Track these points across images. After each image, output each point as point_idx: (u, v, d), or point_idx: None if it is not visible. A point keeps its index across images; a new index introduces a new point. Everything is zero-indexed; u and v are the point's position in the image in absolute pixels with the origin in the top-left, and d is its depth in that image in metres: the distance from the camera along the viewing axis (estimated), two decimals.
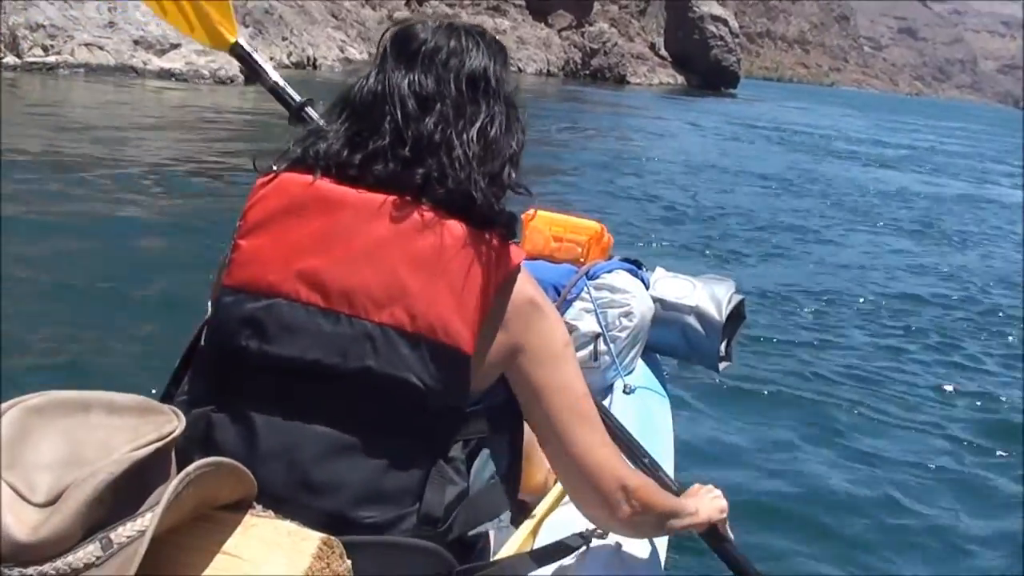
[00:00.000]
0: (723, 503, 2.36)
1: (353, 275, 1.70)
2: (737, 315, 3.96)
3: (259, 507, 1.47)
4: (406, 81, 1.79)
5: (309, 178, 1.77)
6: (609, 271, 3.70)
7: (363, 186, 1.75)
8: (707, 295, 3.86)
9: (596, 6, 73.02)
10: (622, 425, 2.55)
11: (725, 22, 79.39)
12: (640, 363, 3.75)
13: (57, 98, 18.99)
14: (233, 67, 24.50)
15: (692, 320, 3.81)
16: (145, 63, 23.87)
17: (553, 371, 1.83)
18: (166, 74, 24.19)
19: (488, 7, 63.80)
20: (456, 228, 1.73)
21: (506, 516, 1.90)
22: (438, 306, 1.69)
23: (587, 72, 64.69)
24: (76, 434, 1.32)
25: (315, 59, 36.09)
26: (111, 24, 23.52)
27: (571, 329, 3.40)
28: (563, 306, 3.55)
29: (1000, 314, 9.95)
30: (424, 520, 1.72)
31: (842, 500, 5.02)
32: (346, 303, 1.69)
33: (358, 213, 1.73)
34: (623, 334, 3.56)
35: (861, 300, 9.79)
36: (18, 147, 11.83)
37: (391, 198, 1.73)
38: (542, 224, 3.90)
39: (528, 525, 2.43)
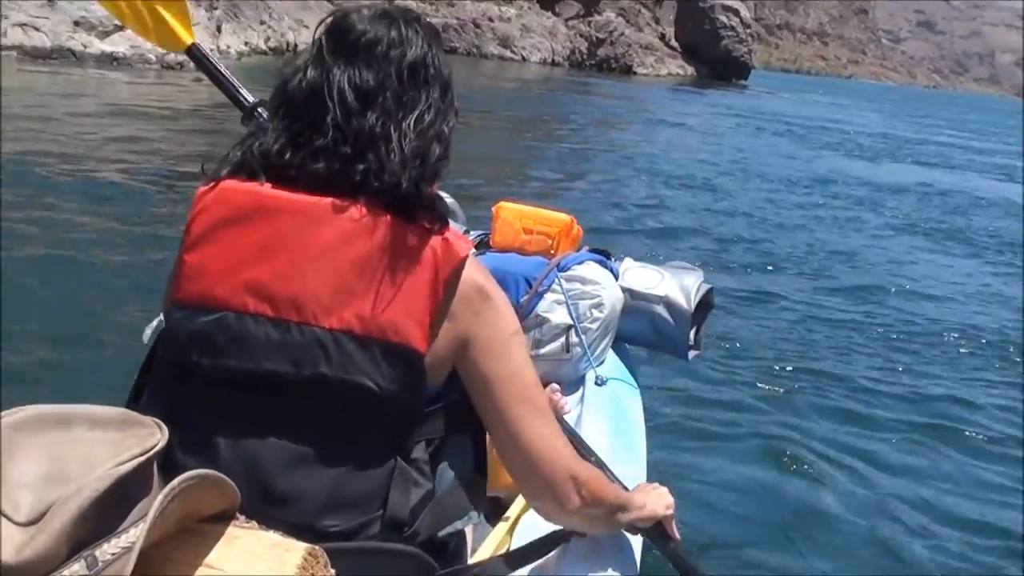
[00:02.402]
0: (670, 500, 2.33)
1: (299, 282, 1.71)
2: (706, 304, 3.98)
3: (242, 518, 1.48)
4: (346, 75, 1.79)
5: (249, 186, 1.77)
6: (579, 262, 3.71)
7: (303, 187, 1.75)
8: (676, 285, 3.88)
9: None
10: (568, 423, 2.59)
11: (736, 12, 77.63)
12: (611, 353, 3.78)
13: None
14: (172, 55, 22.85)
15: (661, 310, 3.85)
16: (85, 46, 22.06)
17: (501, 360, 1.81)
18: (108, 58, 22.38)
19: None
20: (398, 225, 1.73)
21: (477, 514, 1.94)
22: (386, 306, 1.70)
23: (592, 62, 63.48)
24: (58, 450, 1.32)
25: (296, 44, 34.41)
26: (49, 2, 21.68)
27: (543, 321, 3.55)
28: (534, 298, 3.59)
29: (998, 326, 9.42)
30: (390, 524, 1.74)
31: (810, 491, 5.03)
32: (294, 311, 1.70)
33: (299, 219, 1.73)
34: (594, 325, 3.59)
35: (835, 290, 9.85)
36: None
37: (331, 200, 1.73)
38: (512, 217, 3.89)
39: (505, 523, 2.43)
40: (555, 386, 3.39)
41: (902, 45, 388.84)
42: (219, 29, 29.16)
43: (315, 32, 1.87)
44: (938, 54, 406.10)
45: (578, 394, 3.47)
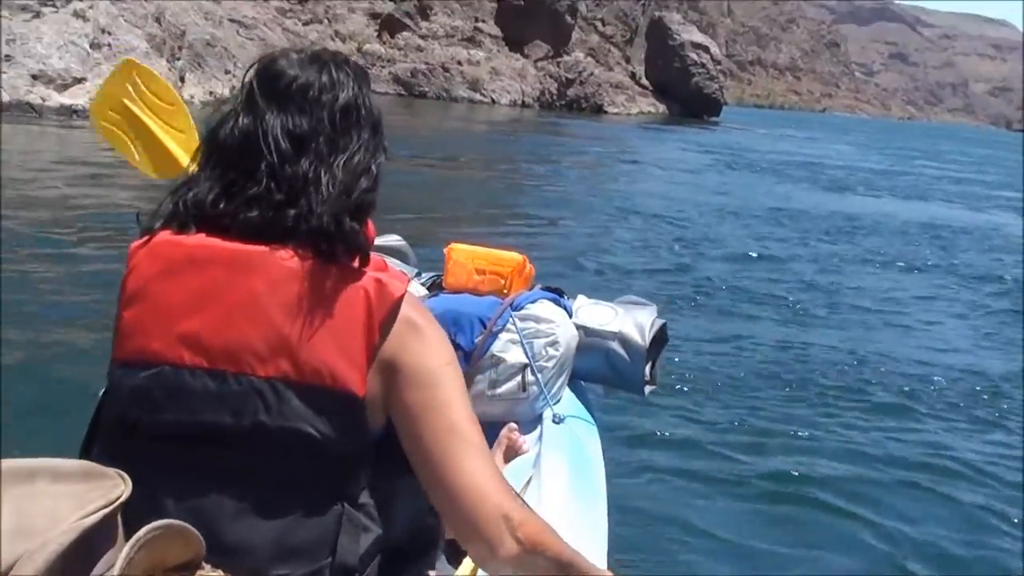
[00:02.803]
0: None
1: (233, 332, 1.70)
2: (660, 339, 3.97)
3: (208, 567, 1.50)
4: (279, 121, 1.78)
5: (180, 238, 1.76)
6: (533, 301, 3.70)
7: (236, 235, 1.74)
8: (630, 321, 3.87)
9: (575, 36, 71.93)
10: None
11: (706, 49, 78.17)
12: (567, 391, 3.75)
13: None
14: None
15: (616, 346, 3.83)
16: (44, 99, 21.79)
17: (428, 390, 1.77)
18: (67, 111, 22.07)
19: (462, 38, 63.13)
20: (328, 268, 1.73)
21: (435, 557, 1.95)
22: (322, 352, 1.69)
23: (563, 103, 63.60)
24: (22, 504, 1.31)
25: None
26: (7, 57, 21.45)
27: (498, 361, 3.50)
28: (489, 339, 3.55)
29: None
30: (340, 571, 1.72)
31: (775, 526, 5.05)
32: (230, 361, 1.69)
33: (230, 268, 1.72)
34: (550, 364, 3.56)
35: (802, 324, 9.80)
36: None
37: (261, 248, 1.73)
38: (463, 258, 3.86)
39: (468, 564, 2.25)
40: (512, 425, 3.40)
41: (875, 78, 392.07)
42: (182, 79, 29.04)
43: (244, 77, 1.87)
44: (911, 85, 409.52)
45: (536, 433, 3.44)
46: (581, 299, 4.05)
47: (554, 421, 3.50)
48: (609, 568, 2.01)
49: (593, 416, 3.79)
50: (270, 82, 1.82)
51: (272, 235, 1.74)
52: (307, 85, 1.81)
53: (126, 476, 1.46)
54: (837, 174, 32.41)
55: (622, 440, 5.78)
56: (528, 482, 3.03)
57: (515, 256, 3.91)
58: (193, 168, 1.93)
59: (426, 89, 56.19)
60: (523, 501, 1.95)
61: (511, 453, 3.30)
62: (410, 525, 1.93)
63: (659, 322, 3.95)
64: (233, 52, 34.99)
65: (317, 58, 1.87)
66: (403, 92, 55.14)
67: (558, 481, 2.94)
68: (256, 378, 1.69)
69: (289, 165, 1.76)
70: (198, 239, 1.75)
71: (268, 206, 1.74)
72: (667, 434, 6.14)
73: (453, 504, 1.76)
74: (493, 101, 58.70)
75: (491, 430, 3.09)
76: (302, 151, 1.77)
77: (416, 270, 4.21)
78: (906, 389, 7.79)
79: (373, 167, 1.86)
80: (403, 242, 4.36)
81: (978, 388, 8.08)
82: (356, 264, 1.77)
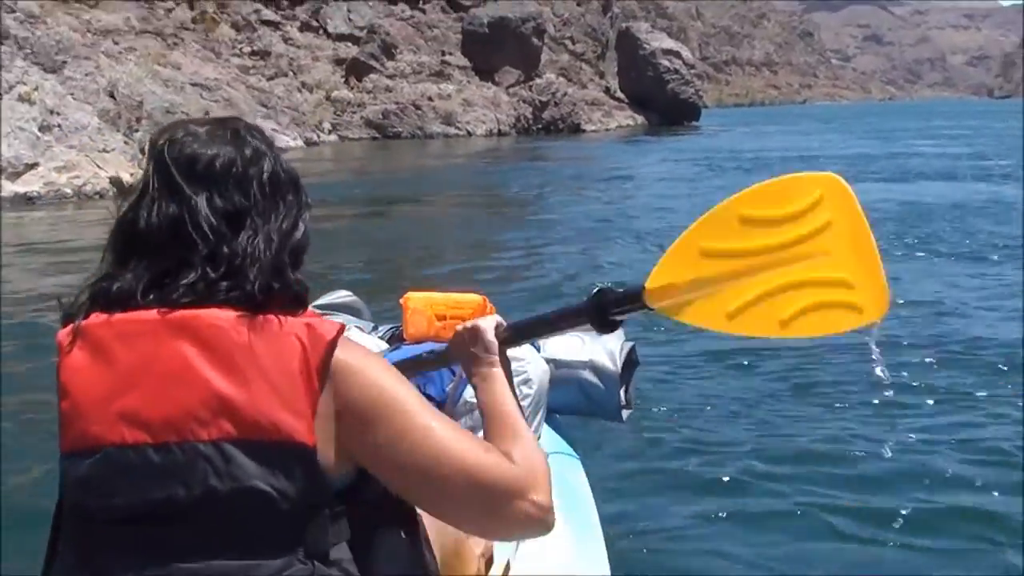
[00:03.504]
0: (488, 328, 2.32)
1: (170, 401, 1.68)
2: (631, 362, 3.96)
3: None
4: (209, 203, 1.76)
5: (106, 318, 1.74)
6: None
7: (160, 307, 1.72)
8: (599, 348, 3.86)
9: (545, 57, 71.56)
10: None
11: (678, 54, 77.31)
12: (545, 427, 3.73)
13: None
14: (100, 181, 22.00)
15: (588, 375, 3.84)
16: None
17: (386, 423, 1.75)
18: (22, 199, 21.32)
19: (430, 74, 62.57)
20: (258, 323, 1.71)
21: None
22: (262, 405, 1.67)
23: (539, 126, 62.92)
24: None
25: None
26: None
27: (472, 407, 3.43)
28: (460, 384, 3.56)
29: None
30: None
31: (776, 544, 4.79)
32: (172, 431, 1.68)
33: (159, 337, 1.71)
34: (525, 402, 3.49)
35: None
36: None
37: (188, 312, 1.71)
38: (421, 305, 3.69)
39: None
40: None
41: (852, 62, 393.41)
42: (143, 151, 28.38)
43: (149, 162, 1.82)
44: (889, 65, 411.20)
45: None
46: None
47: None
48: None
49: (575, 449, 3.83)
50: (189, 164, 1.78)
51: (201, 304, 1.72)
52: (230, 162, 1.79)
53: None
54: (825, 163, 31.56)
55: (607, 468, 5.55)
56: None
57: (474, 297, 3.82)
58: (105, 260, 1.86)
59: (399, 129, 55.59)
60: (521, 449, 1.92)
61: None
62: None
63: (628, 345, 3.99)
64: (195, 116, 34.42)
65: (223, 129, 1.84)
66: (376, 135, 54.59)
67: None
68: (201, 443, 1.66)
69: (227, 245, 1.74)
70: (124, 316, 1.73)
71: (205, 286, 1.72)
72: (653, 456, 5.95)
73: (481, 509, 1.77)
74: (469, 133, 58.11)
75: None
76: (238, 228, 1.76)
77: (372, 324, 4.17)
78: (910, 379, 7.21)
79: (301, 224, 1.87)
80: (354, 297, 4.27)
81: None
82: (289, 313, 1.75)
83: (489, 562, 2.77)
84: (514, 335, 2.42)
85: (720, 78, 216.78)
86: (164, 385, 1.68)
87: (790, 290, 2.07)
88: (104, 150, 23.27)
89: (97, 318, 1.74)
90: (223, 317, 1.70)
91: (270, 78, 53.09)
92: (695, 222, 2.20)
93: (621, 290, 2.34)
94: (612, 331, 2.40)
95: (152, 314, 1.71)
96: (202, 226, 1.73)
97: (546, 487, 1.84)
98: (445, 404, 3.49)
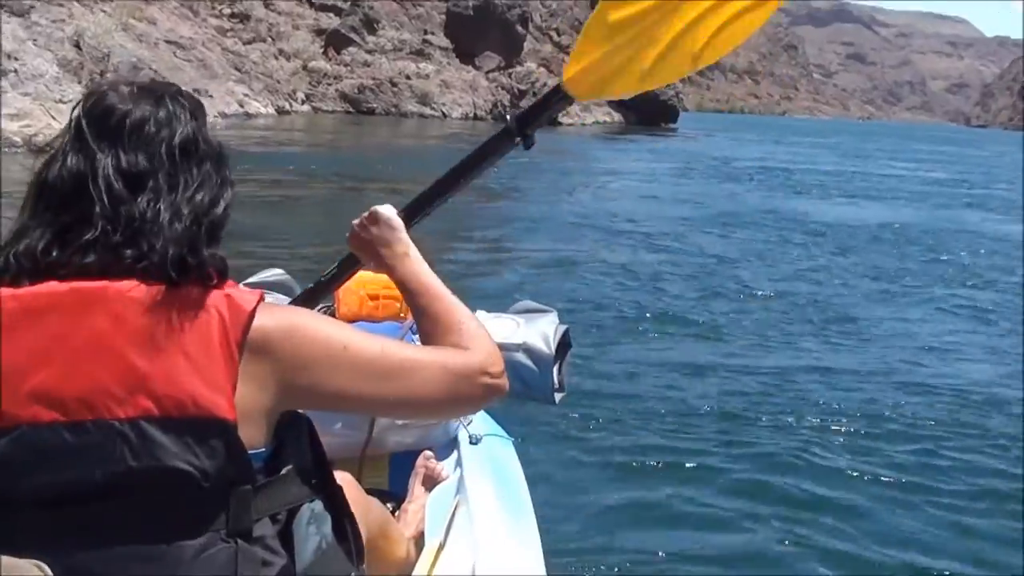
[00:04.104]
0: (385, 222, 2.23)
1: (83, 377, 1.60)
2: (564, 344, 3.87)
3: None
4: (112, 160, 1.69)
5: (14, 291, 1.65)
6: None
7: (73, 279, 1.65)
8: (533, 331, 3.79)
9: (528, 46, 71.20)
10: None
11: None
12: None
13: None
14: (53, 132, 21.06)
15: (522, 357, 3.70)
16: None
17: (320, 363, 1.72)
18: None
19: (411, 52, 62.09)
20: (173, 294, 1.65)
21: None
22: (180, 381, 1.61)
23: None
24: None
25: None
26: None
27: None
28: (407, 339, 3.41)
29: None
30: None
31: (705, 527, 5.09)
32: (87, 409, 1.59)
33: (70, 311, 1.63)
34: None
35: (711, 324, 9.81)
36: None
37: (100, 283, 1.64)
38: (353, 285, 3.59)
39: None
40: (429, 452, 3.40)
41: (834, 79, 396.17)
42: None
43: (72, 114, 1.75)
44: (870, 85, 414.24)
45: (453, 457, 3.47)
46: (481, 314, 3.85)
47: (471, 442, 3.50)
48: None
49: (508, 432, 3.81)
50: (100, 119, 1.70)
51: (110, 274, 1.63)
52: (141, 121, 1.71)
53: (43, 566, 1.46)
54: (800, 177, 31.80)
55: (540, 451, 5.76)
56: (455, 508, 2.93)
57: None
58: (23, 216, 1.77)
59: (374, 105, 55.20)
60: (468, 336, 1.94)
61: (430, 482, 3.27)
62: (319, 555, 1.77)
63: (562, 328, 3.93)
64: (163, 74, 33.56)
65: (149, 91, 1.76)
66: (351, 109, 54.21)
67: (486, 503, 2.93)
68: (116, 421, 1.57)
69: (125, 207, 1.65)
70: (32, 289, 1.63)
71: (105, 249, 1.63)
72: (582, 439, 6.17)
73: (448, 401, 1.84)
74: (444, 115, 57.81)
75: (406, 459, 3.38)
76: (139, 190, 1.67)
77: None
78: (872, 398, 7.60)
79: (222, 202, 1.77)
80: (286, 276, 4.12)
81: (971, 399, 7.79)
82: (207, 285, 1.66)
83: (419, 543, 2.84)
84: (415, 206, 2.35)
85: (702, 82, 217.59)
86: (77, 361, 1.59)
87: (698, 22, 2.18)
88: (61, 100, 22.43)
89: (4, 292, 1.65)
90: (139, 290, 1.62)
91: (247, 42, 52.29)
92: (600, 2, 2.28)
93: (538, 97, 2.37)
94: (532, 144, 2.35)
95: (62, 287, 1.63)
96: (99, 184, 1.65)
97: (498, 359, 1.89)
98: None
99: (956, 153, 63.01)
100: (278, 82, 50.36)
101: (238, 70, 45.92)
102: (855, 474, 5.89)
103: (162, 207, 1.67)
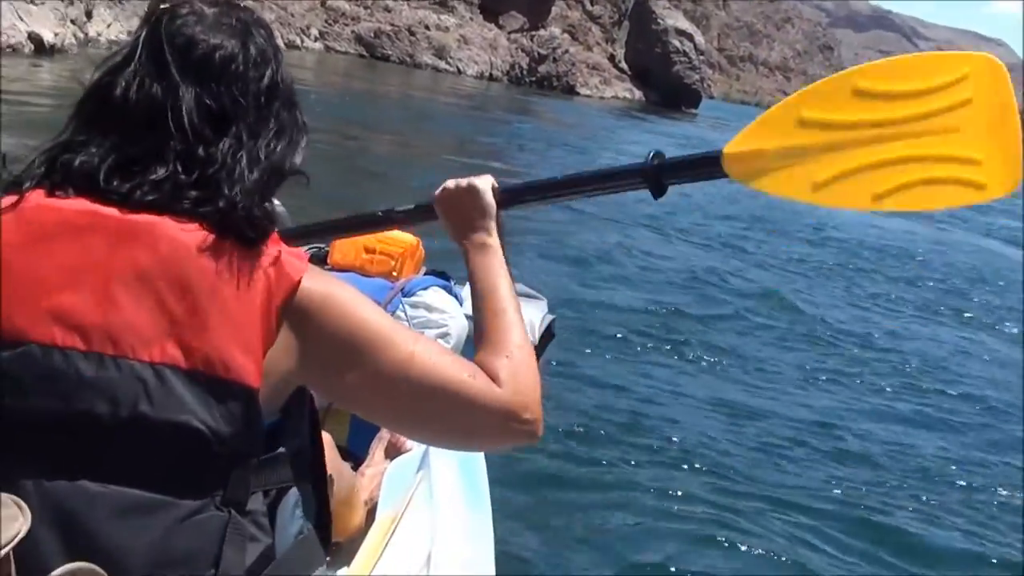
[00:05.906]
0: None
1: (114, 309, 1.52)
2: (548, 335, 4.00)
3: None
4: (194, 96, 1.59)
5: (55, 202, 1.56)
6: (424, 288, 3.63)
7: (123, 206, 1.55)
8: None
9: (556, 10, 70.31)
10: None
11: (691, 37, 76.32)
12: None
13: None
14: (18, 34, 20.02)
15: None
16: None
17: (362, 360, 1.63)
18: None
19: (434, 2, 61.11)
20: (227, 247, 1.56)
21: (321, 570, 1.79)
22: (215, 338, 1.53)
23: (533, 79, 61.93)
24: None
25: None
26: None
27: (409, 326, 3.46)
28: (395, 300, 3.53)
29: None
30: None
31: (664, 529, 5.20)
32: (109, 342, 1.51)
33: (113, 238, 1.54)
34: None
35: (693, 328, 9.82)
36: None
37: (151, 218, 1.55)
38: None
39: (352, 572, 2.41)
40: None
41: None
42: (88, 15, 26.35)
43: (143, 32, 1.63)
44: None
45: None
46: (466, 290, 3.56)
47: None
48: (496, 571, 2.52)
49: None
50: (185, 47, 1.60)
51: (164, 210, 1.54)
52: (230, 58, 1.61)
53: (23, 505, 1.39)
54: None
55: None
56: (418, 484, 2.90)
57: (408, 237, 3.70)
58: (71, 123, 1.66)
59: (389, 52, 54.46)
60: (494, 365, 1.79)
61: (392, 450, 3.21)
62: (299, 541, 1.66)
63: (548, 318, 3.97)
64: None
65: (237, 20, 1.65)
66: (364, 53, 53.44)
67: (448, 482, 2.96)
68: (138, 363, 1.49)
69: (204, 147, 1.57)
70: (78, 204, 1.54)
71: (173, 187, 1.55)
72: (552, 432, 5.93)
73: (482, 432, 1.74)
74: (459, 71, 57.02)
75: (372, 424, 3.26)
76: (220, 132, 1.59)
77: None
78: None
79: (298, 151, 1.72)
80: (282, 208, 3.55)
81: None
82: (260, 240, 1.58)
83: (372, 507, 2.78)
84: (518, 191, 2.22)
85: (732, 72, 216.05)
86: (110, 291, 1.50)
87: (896, 164, 1.99)
88: (32, 1, 21.20)
89: (45, 201, 1.55)
90: (190, 234, 1.52)
91: None
92: (796, 93, 2.13)
93: (691, 154, 2.24)
94: (663, 195, 2.24)
95: (110, 211, 1.52)
96: (183, 119, 1.55)
97: (534, 404, 1.72)
98: None
99: None
100: (292, 15, 49.62)
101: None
102: (822, 495, 6.05)
103: (243, 153, 1.59)
